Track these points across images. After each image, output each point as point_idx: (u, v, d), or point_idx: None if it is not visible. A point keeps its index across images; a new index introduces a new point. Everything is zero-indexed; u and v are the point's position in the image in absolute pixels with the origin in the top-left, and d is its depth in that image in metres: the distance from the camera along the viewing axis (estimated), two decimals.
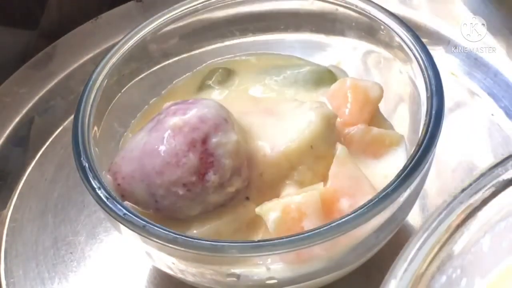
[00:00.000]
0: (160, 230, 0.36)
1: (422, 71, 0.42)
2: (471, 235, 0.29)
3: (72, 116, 0.44)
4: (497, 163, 0.30)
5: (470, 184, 0.29)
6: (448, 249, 0.28)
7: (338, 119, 0.44)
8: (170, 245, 0.36)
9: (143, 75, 0.50)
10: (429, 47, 0.44)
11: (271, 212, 0.38)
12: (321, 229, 0.35)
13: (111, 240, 0.50)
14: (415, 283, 0.26)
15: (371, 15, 0.47)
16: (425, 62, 0.43)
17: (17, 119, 0.58)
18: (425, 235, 0.28)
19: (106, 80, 0.46)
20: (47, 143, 0.57)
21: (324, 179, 0.41)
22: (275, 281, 0.38)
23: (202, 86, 0.51)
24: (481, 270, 0.30)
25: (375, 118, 0.46)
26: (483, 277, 0.30)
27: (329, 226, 0.35)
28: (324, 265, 0.38)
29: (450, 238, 0.28)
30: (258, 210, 0.39)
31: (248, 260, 0.37)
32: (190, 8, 0.50)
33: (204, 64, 0.53)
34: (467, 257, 0.29)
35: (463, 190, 0.29)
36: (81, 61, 0.62)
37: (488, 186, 0.29)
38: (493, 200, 0.29)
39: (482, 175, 0.30)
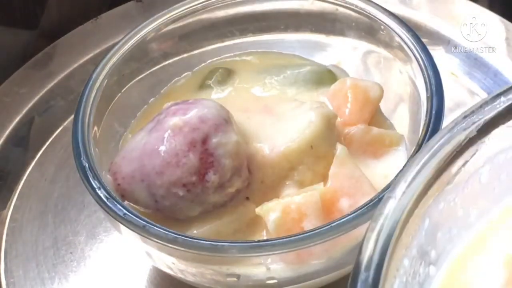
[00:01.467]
0: (160, 230, 0.36)
1: (422, 71, 0.42)
2: (471, 163, 0.28)
3: (72, 116, 0.44)
4: (500, 92, 0.29)
5: (473, 112, 0.28)
6: (447, 175, 0.27)
7: (338, 119, 0.44)
8: (170, 245, 0.36)
9: (143, 75, 0.50)
10: (429, 47, 0.44)
11: (271, 212, 0.38)
12: (321, 229, 0.35)
13: (111, 240, 0.50)
14: (413, 205, 0.26)
15: (371, 15, 0.47)
16: (425, 62, 0.43)
17: (17, 119, 0.58)
18: (426, 158, 0.27)
19: (106, 80, 0.46)
20: (47, 143, 0.57)
21: (324, 179, 0.41)
22: (275, 281, 0.38)
23: (202, 86, 0.51)
24: (478, 204, 0.30)
25: (376, 118, 0.46)
26: (481, 214, 0.29)
27: (329, 226, 0.35)
28: (324, 265, 0.38)
29: (450, 164, 0.27)
30: (258, 210, 0.39)
31: (248, 260, 0.37)
32: (190, 8, 0.50)
33: (204, 64, 0.53)
34: (466, 186, 0.28)
35: (465, 117, 0.28)
36: (81, 61, 0.62)
37: (491, 114, 0.28)
38: (495, 130, 0.28)
39: (485, 103, 0.28)
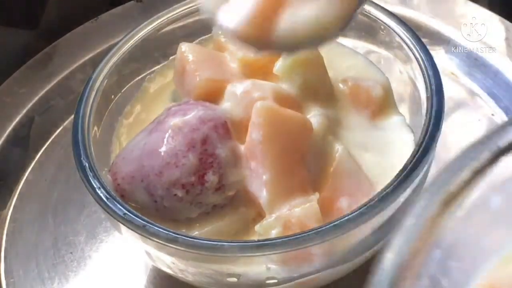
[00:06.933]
0: (160, 230, 0.36)
1: (422, 71, 0.42)
2: (480, 193, 0.28)
3: (72, 116, 0.44)
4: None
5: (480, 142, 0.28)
6: (458, 204, 0.27)
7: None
8: (170, 245, 0.36)
9: (143, 75, 0.50)
10: (429, 47, 0.44)
11: (272, 230, 0.38)
12: (321, 229, 0.35)
13: (111, 240, 0.50)
14: (424, 233, 0.25)
15: (371, 15, 0.47)
16: (425, 62, 0.43)
17: (17, 119, 0.58)
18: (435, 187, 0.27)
19: (106, 80, 0.46)
20: (47, 143, 0.57)
21: (324, 178, 0.41)
22: (275, 281, 0.38)
23: None
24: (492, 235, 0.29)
25: (385, 109, 0.46)
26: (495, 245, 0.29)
27: (329, 226, 0.35)
28: (324, 265, 0.38)
29: (459, 194, 0.27)
30: (257, 228, 0.39)
31: (248, 260, 0.37)
32: (190, 8, 0.50)
33: None
34: (475, 216, 0.28)
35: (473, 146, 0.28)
36: (81, 61, 0.62)
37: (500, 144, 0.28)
38: (505, 157, 0.28)
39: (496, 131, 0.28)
